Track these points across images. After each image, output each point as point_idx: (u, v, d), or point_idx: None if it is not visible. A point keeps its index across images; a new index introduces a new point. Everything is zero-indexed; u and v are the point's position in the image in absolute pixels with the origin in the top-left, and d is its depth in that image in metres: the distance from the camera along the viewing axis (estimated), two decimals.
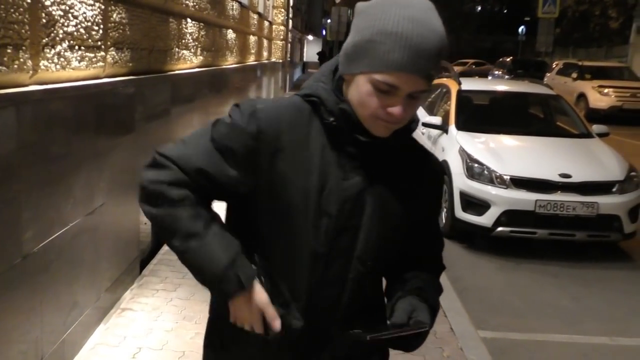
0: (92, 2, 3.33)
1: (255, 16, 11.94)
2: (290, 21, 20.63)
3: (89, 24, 3.30)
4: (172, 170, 1.29)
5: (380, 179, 1.33)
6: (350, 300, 1.34)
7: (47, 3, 2.79)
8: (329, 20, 29.69)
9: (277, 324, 1.27)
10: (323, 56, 31.87)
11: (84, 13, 3.22)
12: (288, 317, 1.32)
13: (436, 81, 8.55)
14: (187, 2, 5.75)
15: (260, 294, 1.28)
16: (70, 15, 3.04)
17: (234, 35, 9.10)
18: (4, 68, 2.43)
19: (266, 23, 14.48)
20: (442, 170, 1.50)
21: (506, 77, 21.06)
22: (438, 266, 1.54)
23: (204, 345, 1.50)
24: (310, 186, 1.28)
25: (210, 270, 1.27)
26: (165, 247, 4.93)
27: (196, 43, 6.31)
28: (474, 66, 30.40)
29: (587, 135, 6.77)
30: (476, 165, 5.84)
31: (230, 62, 8.84)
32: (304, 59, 38.00)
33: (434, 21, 1.21)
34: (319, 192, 1.28)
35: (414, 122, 1.37)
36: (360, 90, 1.25)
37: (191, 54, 6.10)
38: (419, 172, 1.41)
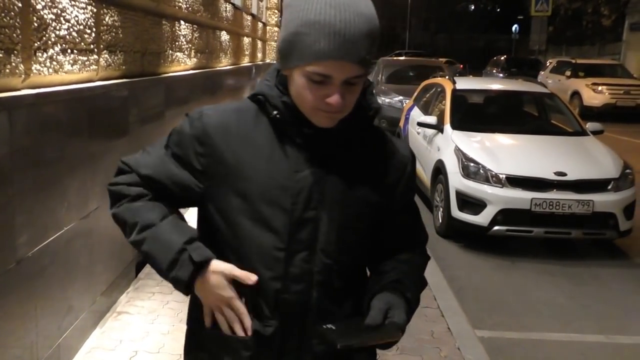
0: (84, 5, 3.31)
1: (249, 17, 11.93)
2: None
3: (81, 27, 3.29)
4: (131, 174, 1.39)
5: (337, 169, 1.32)
6: (322, 295, 1.32)
7: (39, 7, 2.77)
8: None
9: (246, 320, 1.30)
10: None
11: (76, 16, 3.21)
12: (258, 324, 1.31)
13: (431, 81, 8.58)
14: (180, 4, 5.74)
15: (217, 276, 1.29)
16: (62, 18, 3.03)
17: (228, 37, 9.09)
18: None
19: (260, 24, 14.47)
20: (410, 157, 1.44)
21: (500, 75, 21.10)
22: (420, 256, 1.49)
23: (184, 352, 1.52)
24: (261, 182, 1.29)
25: (165, 255, 1.29)
26: None
27: (190, 45, 6.29)
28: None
29: (582, 133, 6.78)
30: (472, 164, 5.84)
31: (224, 63, 8.83)
32: None
33: (360, 4, 1.20)
34: (270, 187, 1.28)
35: (371, 109, 1.36)
36: (296, 84, 1.25)
37: (185, 56, 6.09)
38: (385, 160, 1.39)
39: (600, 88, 17.38)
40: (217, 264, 1.29)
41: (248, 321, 1.29)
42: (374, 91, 1.42)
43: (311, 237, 1.30)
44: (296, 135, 1.30)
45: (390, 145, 1.42)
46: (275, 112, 1.30)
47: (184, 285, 1.29)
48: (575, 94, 17.89)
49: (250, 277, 1.27)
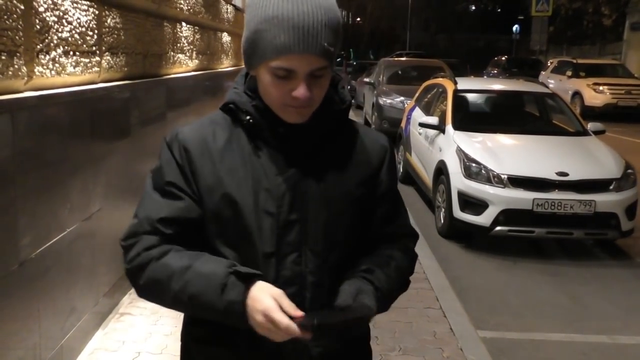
0: (86, 8, 3.32)
1: None
2: None
3: (84, 29, 3.29)
4: (140, 240, 1.29)
5: (316, 167, 1.32)
6: (315, 295, 1.31)
7: (41, 9, 2.78)
8: None
9: (295, 312, 1.19)
10: None
11: (78, 18, 3.22)
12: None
13: (432, 81, 8.58)
14: (182, 6, 5.75)
15: (263, 292, 1.20)
16: (64, 20, 3.03)
17: (229, 38, 9.09)
18: None
19: None
20: (387, 145, 1.44)
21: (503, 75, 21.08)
22: (401, 251, 1.44)
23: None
24: (244, 190, 1.28)
25: (212, 285, 1.22)
26: None
27: (191, 46, 6.30)
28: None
29: (584, 133, 6.78)
30: (473, 164, 5.84)
31: (225, 65, 8.83)
32: None
33: None
34: (254, 193, 1.28)
35: (343, 102, 1.36)
36: (262, 82, 1.26)
37: (186, 57, 6.09)
38: (363, 152, 1.38)
39: (601, 88, 17.37)
40: (266, 284, 1.23)
41: (294, 329, 1.18)
42: (344, 85, 1.41)
43: (299, 238, 1.30)
44: (272, 137, 1.30)
45: (367, 137, 1.42)
46: (247, 118, 1.30)
47: (240, 307, 1.20)
48: (577, 94, 17.88)
49: (297, 313, 1.18)
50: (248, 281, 1.21)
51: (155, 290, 1.28)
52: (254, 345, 1.30)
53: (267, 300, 1.18)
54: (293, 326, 1.16)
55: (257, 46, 1.22)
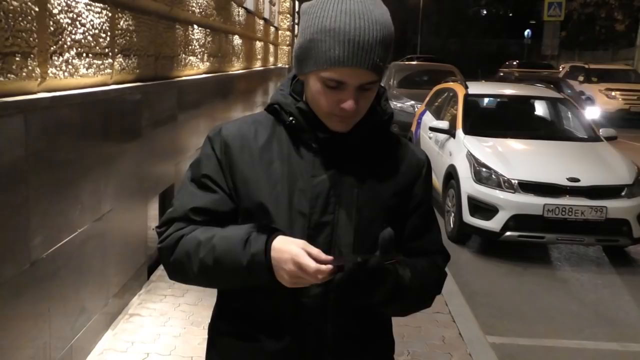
0: (99, 10, 3.34)
1: (261, 22, 11.97)
2: (296, 27, 20.67)
3: (97, 31, 3.32)
4: (172, 225, 1.36)
5: (352, 173, 1.34)
6: (340, 297, 1.31)
7: (55, 11, 2.80)
8: None
9: (322, 255, 1.20)
10: None
11: (92, 21, 3.24)
12: (275, 336, 1.33)
13: (443, 85, 8.56)
14: (193, 8, 5.77)
15: (288, 243, 1.22)
16: (77, 23, 3.06)
17: (240, 41, 9.12)
18: (12, 76, 2.44)
19: (272, 29, 14.51)
20: (425, 160, 1.45)
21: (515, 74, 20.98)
22: (429, 263, 1.44)
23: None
24: (279, 189, 1.31)
25: (236, 242, 1.26)
26: None
27: (202, 49, 6.33)
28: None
29: (595, 138, 6.74)
30: (484, 169, 5.82)
31: (236, 67, 8.86)
32: None
33: (374, 12, 1.23)
34: (289, 193, 1.31)
35: (386, 115, 1.38)
36: (311, 89, 1.29)
37: (198, 60, 6.12)
38: (400, 164, 1.40)
39: (613, 93, 17.27)
40: (288, 237, 1.25)
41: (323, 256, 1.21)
42: (387, 97, 1.44)
43: (329, 240, 1.32)
44: (312, 140, 1.33)
45: (405, 150, 1.43)
46: (290, 119, 1.33)
47: (263, 258, 1.23)
48: (589, 100, 17.78)
49: (321, 256, 1.19)
50: (270, 234, 1.25)
51: (184, 263, 1.32)
52: (275, 339, 1.33)
53: (293, 248, 1.20)
54: (322, 267, 1.18)
55: (311, 55, 1.25)
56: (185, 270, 1.33)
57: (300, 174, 1.32)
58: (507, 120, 7.32)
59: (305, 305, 1.31)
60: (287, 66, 17.40)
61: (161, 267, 4.63)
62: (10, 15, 2.39)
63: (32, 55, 2.58)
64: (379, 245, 1.29)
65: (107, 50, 3.49)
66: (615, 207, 5.48)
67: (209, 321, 1.50)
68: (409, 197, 1.41)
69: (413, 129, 8.83)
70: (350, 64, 1.21)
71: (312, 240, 1.30)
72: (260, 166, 1.33)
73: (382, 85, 1.40)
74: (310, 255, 1.19)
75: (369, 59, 1.21)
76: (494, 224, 5.60)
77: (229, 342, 1.40)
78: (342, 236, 1.32)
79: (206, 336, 1.51)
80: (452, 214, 6.19)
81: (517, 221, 5.53)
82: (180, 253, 1.32)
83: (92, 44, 3.26)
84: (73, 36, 3.01)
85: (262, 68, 12.27)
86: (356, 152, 1.35)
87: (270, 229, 1.27)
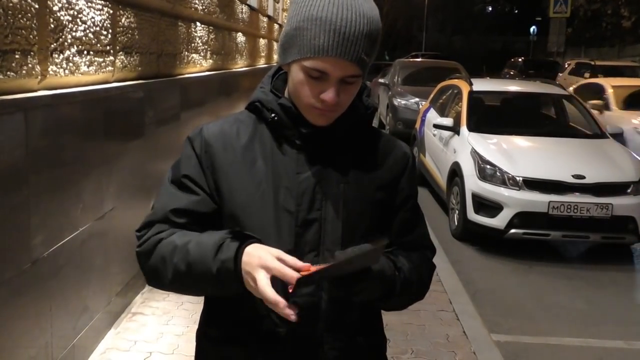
0: (100, 7, 3.33)
1: (265, 19, 11.95)
2: None
3: (98, 28, 3.30)
4: (152, 228, 1.33)
5: (336, 169, 1.32)
6: (332, 295, 1.30)
7: (55, 8, 2.79)
8: None
9: (299, 263, 1.16)
10: None
11: (93, 18, 3.23)
12: (270, 329, 1.29)
13: (447, 82, 8.52)
14: (196, 5, 5.75)
15: (260, 251, 1.17)
16: (78, 20, 3.04)
17: (244, 38, 9.10)
18: (12, 73, 2.43)
19: (276, 26, 14.49)
20: (409, 154, 1.44)
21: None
22: (421, 251, 1.44)
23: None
24: (263, 187, 1.29)
25: (208, 250, 1.22)
26: None
27: (205, 46, 6.31)
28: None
29: (601, 135, 6.70)
30: (488, 166, 5.79)
31: (240, 65, 8.84)
32: None
33: (363, 5, 1.22)
34: (274, 191, 1.29)
35: (367, 109, 1.37)
36: (294, 79, 1.27)
37: (200, 57, 6.10)
38: (385, 158, 1.39)
39: None
40: (262, 245, 1.20)
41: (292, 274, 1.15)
42: (370, 94, 1.42)
43: (317, 238, 1.30)
44: (295, 137, 1.31)
45: (389, 144, 1.42)
46: (272, 115, 1.31)
47: (232, 265, 1.18)
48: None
49: (297, 264, 1.15)
50: (244, 241, 1.21)
51: (159, 269, 1.29)
52: (267, 345, 1.31)
53: (262, 253, 1.16)
54: (292, 274, 1.12)
55: (295, 43, 1.24)
56: (160, 275, 1.29)
57: (285, 171, 1.30)
58: (512, 117, 7.28)
59: (296, 305, 1.29)
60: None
61: None
62: (10, 12, 2.38)
63: (32, 53, 2.57)
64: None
65: (108, 47, 3.48)
66: (621, 204, 5.44)
67: (197, 328, 1.47)
68: (396, 191, 1.40)
69: (417, 126, 8.80)
70: (334, 54, 1.19)
71: (300, 238, 1.29)
72: (244, 165, 1.31)
73: (367, 82, 1.39)
74: (285, 263, 1.14)
75: (353, 51, 1.20)
76: (499, 221, 5.58)
77: (219, 348, 1.37)
78: (330, 232, 1.31)
79: None
80: (457, 212, 6.16)
81: (522, 219, 5.50)
82: (156, 258, 1.29)
83: (93, 42, 3.25)
84: (74, 33, 2.99)
85: (265, 65, 12.25)
86: (340, 147, 1.34)
87: (245, 235, 1.23)
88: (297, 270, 1.14)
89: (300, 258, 1.26)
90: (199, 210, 1.31)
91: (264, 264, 1.15)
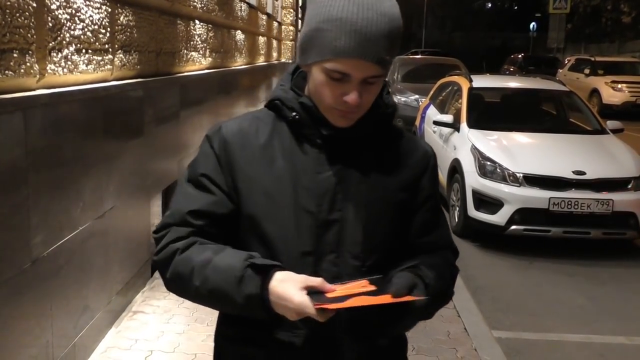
0: (98, 5, 3.32)
1: (264, 17, 11.94)
2: (300, 21, 20.62)
3: (96, 27, 3.30)
4: (169, 231, 1.30)
5: (357, 168, 1.30)
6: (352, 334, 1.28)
7: (53, 7, 2.78)
8: None
9: (327, 286, 1.17)
10: None
11: (91, 16, 3.22)
12: (288, 334, 1.28)
13: (447, 79, 8.51)
14: (195, 3, 5.74)
15: (286, 284, 1.17)
16: (76, 18, 3.03)
17: (243, 36, 9.09)
18: (11, 72, 2.42)
19: (275, 23, 14.47)
20: (431, 153, 1.41)
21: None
22: (442, 259, 1.40)
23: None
24: (283, 187, 1.27)
25: (229, 279, 1.20)
26: None
27: (205, 45, 6.30)
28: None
29: (601, 131, 6.69)
30: (488, 163, 5.79)
31: (239, 63, 8.83)
32: None
33: (384, 4, 1.19)
34: (294, 190, 1.27)
35: (388, 108, 1.34)
36: (315, 81, 1.25)
37: (200, 55, 6.10)
38: (406, 158, 1.36)
39: (619, 86, 17.16)
40: (286, 273, 1.20)
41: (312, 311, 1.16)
42: (390, 90, 1.40)
43: (337, 238, 1.28)
44: (315, 136, 1.29)
45: (411, 143, 1.40)
46: (293, 114, 1.29)
47: (259, 301, 1.18)
48: (595, 92, 17.68)
49: (326, 286, 1.16)
50: (264, 273, 1.19)
51: (180, 285, 1.28)
52: (285, 345, 1.29)
53: (294, 295, 1.15)
54: (328, 309, 1.14)
55: (315, 44, 1.21)
56: (182, 291, 1.29)
57: (304, 170, 1.28)
58: (512, 113, 7.27)
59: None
60: (290, 61, 17.37)
61: None
62: (8, 11, 2.37)
63: (30, 52, 2.56)
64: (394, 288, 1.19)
65: (107, 46, 3.47)
66: (621, 200, 5.44)
67: (215, 328, 1.44)
68: (417, 191, 1.37)
69: (417, 123, 8.79)
70: (355, 55, 1.17)
71: (319, 239, 1.27)
72: (263, 164, 1.28)
73: (386, 79, 1.37)
74: (310, 287, 1.15)
75: (375, 52, 1.17)
76: (499, 218, 5.57)
77: (238, 348, 1.35)
78: (350, 234, 1.28)
79: (210, 333, 1.49)
80: (457, 208, 6.15)
81: (523, 215, 5.49)
82: (174, 274, 1.27)
83: (92, 40, 3.24)
84: (72, 32, 2.99)
85: (265, 63, 12.24)
86: (361, 147, 1.32)
87: (265, 265, 1.20)
88: (325, 291, 1.15)
89: (320, 260, 1.26)
90: (216, 211, 1.28)
91: (297, 310, 1.15)
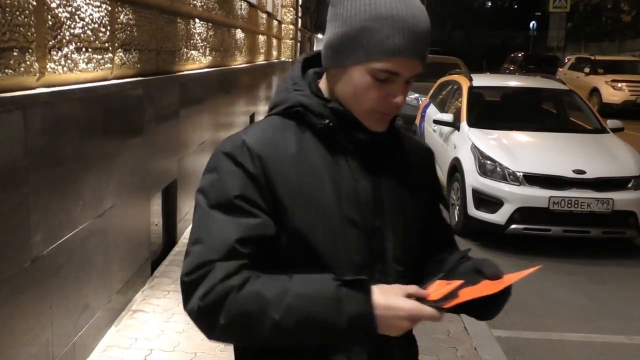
0: (98, 4, 3.32)
1: (264, 15, 11.93)
2: (300, 20, 20.61)
3: (96, 25, 3.29)
4: (212, 270, 1.10)
5: (386, 173, 1.27)
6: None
7: (53, 5, 2.78)
8: None
9: (421, 291, 1.12)
10: None
11: (91, 15, 3.21)
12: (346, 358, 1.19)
13: (447, 78, 8.51)
14: (195, 2, 5.74)
15: (389, 296, 1.10)
16: (76, 17, 3.03)
17: (243, 35, 9.09)
18: (10, 71, 2.42)
19: (275, 22, 14.46)
20: (431, 150, 1.43)
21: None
22: (457, 250, 1.43)
23: None
24: (327, 197, 1.18)
25: (322, 302, 1.07)
26: (177, 248, 4.92)
27: (204, 43, 6.30)
28: None
29: (601, 130, 6.69)
30: (488, 162, 5.78)
31: (239, 61, 8.83)
32: None
33: (419, 0, 1.18)
34: (337, 200, 1.19)
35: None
36: (356, 83, 1.17)
37: (200, 54, 6.09)
38: (416, 159, 1.36)
39: (619, 85, 17.16)
40: (380, 285, 1.12)
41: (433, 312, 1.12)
42: None
43: (382, 246, 1.24)
44: (348, 142, 1.22)
45: (413, 143, 1.39)
46: (326, 121, 1.20)
47: (367, 319, 1.07)
48: (595, 91, 17.67)
49: (421, 292, 1.11)
50: (363, 289, 1.10)
51: (245, 326, 1.09)
52: (321, 356, 1.20)
53: (402, 303, 1.08)
54: (437, 312, 1.10)
55: (361, 44, 1.14)
56: (246, 333, 1.11)
57: (343, 179, 1.20)
58: (512, 112, 7.27)
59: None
60: (290, 60, 17.36)
61: (165, 262, 4.61)
62: (8, 9, 2.36)
63: (30, 50, 2.56)
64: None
65: (107, 44, 3.46)
66: (621, 199, 5.44)
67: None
68: (431, 190, 1.38)
69: (417, 122, 8.79)
70: (408, 54, 1.13)
71: (367, 248, 1.20)
72: (302, 175, 1.17)
73: None
74: (410, 295, 1.10)
75: (423, 49, 1.15)
76: (499, 217, 5.57)
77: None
78: (391, 240, 1.25)
79: None
80: (457, 207, 6.15)
81: (523, 214, 5.49)
82: (236, 314, 1.09)
83: (92, 39, 3.24)
84: (72, 30, 2.98)
85: (265, 62, 12.23)
86: (389, 151, 1.28)
87: (359, 280, 1.10)
88: (423, 297, 1.11)
89: (372, 270, 1.21)
90: (265, 234, 1.13)
91: (411, 315, 1.09)
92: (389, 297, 1.09)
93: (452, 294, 1.13)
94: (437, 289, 1.15)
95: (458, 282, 1.16)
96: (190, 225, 1.23)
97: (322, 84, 1.26)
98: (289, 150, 1.18)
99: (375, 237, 1.23)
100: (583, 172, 5.49)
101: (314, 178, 1.18)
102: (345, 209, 1.19)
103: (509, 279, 1.19)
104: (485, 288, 1.16)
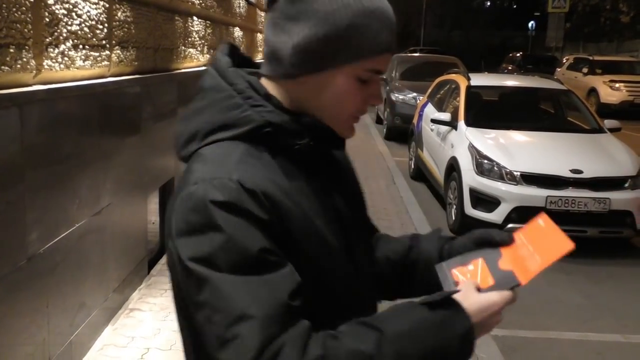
0: (96, 1, 3.31)
1: (263, 14, 11.91)
2: None
3: (93, 22, 3.28)
4: (284, 347, 0.88)
5: (345, 179, 1.21)
6: (374, 309, 1.22)
7: (50, 2, 2.77)
8: None
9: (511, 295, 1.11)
10: None
11: (88, 12, 3.21)
12: None
13: (445, 77, 8.51)
14: (193, 0, 5.73)
15: (476, 303, 1.04)
16: (74, 14, 3.02)
17: (241, 33, 9.08)
18: (7, 68, 2.41)
19: None
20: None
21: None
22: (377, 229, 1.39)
23: None
24: (323, 223, 1.05)
25: (427, 336, 0.97)
26: None
27: (203, 41, 6.29)
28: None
29: (599, 130, 6.70)
30: (486, 161, 5.79)
31: None
32: None
33: None
34: (328, 222, 1.06)
35: None
36: (340, 89, 1.03)
37: (198, 52, 6.08)
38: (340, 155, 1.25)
39: (617, 85, 17.19)
40: (459, 295, 1.04)
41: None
42: (388, 88, 1.36)
43: (362, 255, 1.17)
44: (322, 158, 1.11)
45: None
46: (306, 140, 1.04)
47: (472, 331, 1.01)
48: (592, 91, 17.70)
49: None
50: (452, 304, 1.02)
51: None
52: None
53: (489, 299, 1.05)
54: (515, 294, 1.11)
55: (349, 44, 1.00)
56: None
57: (324, 200, 1.08)
58: (510, 112, 7.27)
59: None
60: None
61: (162, 261, 4.61)
62: (4, 5, 2.36)
63: (27, 47, 2.55)
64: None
65: (104, 42, 3.46)
66: (618, 198, 5.45)
67: None
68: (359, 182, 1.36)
69: (415, 121, 8.79)
70: (394, 49, 1.06)
71: (359, 266, 1.13)
72: (300, 204, 1.02)
73: (385, 77, 1.32)
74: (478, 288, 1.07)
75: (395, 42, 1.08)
76: (496, 216, 5.57)
77: None
78: (364, 248, 1.20)
79: None
80: (454, 207, 6.15)
81: (520, 213, 5.49)
82: None
83: (89, 36, 3.23)
84: (69, 27, 2.97)
85: (263, 60, 12.22)
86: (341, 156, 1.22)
87: (444, 298, 1.01)
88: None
89: (368, 290, 1.17)
90: (298, 280, 0.95)
91: (501, 304, 1.08)
92: (472, 299, 1.03)
93: (506, 272, 1.15)
94: (472, 274, 1.12)
95: (478, 260, 1.14)
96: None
97: (274, 93, 1.06)
98: (278, 180, 1.00)
99: (357, 248, 1.14)
100: (580, 172, 5.49)
101: (311, 205, 1.04)
102: (335, 233, 1.07)
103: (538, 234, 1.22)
104: (543, 250, 1.19)
